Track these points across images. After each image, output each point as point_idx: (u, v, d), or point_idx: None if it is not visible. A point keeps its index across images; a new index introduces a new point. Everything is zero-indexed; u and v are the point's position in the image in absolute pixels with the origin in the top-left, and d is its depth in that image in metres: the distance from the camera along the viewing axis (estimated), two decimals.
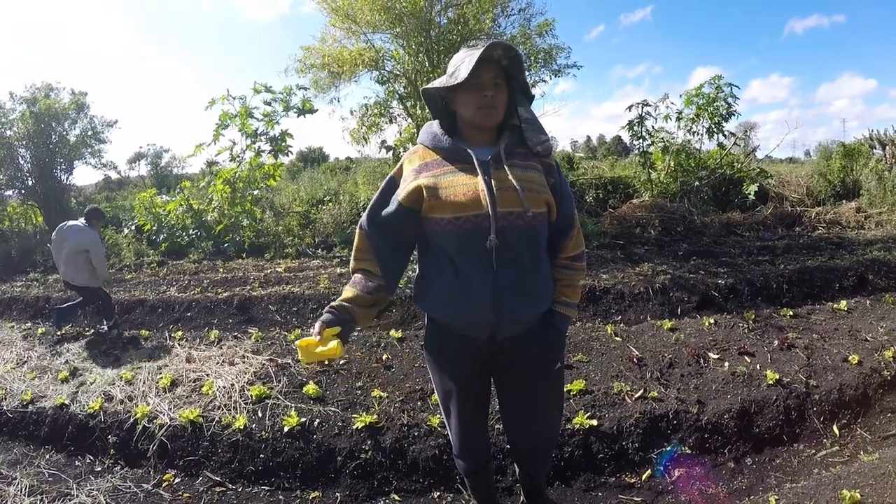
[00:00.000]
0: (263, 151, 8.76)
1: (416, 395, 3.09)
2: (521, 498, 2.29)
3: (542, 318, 1.71)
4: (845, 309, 4.31)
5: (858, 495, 1.96)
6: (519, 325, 1.65)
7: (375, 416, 2.79)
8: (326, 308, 1.68)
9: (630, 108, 9.32)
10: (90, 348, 4.26)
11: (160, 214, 8.65)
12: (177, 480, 2.68)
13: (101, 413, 3.04)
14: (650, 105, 9.25)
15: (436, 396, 2.93)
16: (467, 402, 1.82)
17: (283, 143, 8.69)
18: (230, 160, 8.76)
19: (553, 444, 2.13)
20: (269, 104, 8.64)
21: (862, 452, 2.53)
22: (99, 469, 2.82)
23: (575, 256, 1.75)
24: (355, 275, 1.72)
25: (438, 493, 2.47)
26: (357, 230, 1.73)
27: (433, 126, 1.68)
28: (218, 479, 2.65)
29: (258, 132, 8.66)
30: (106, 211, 7.52)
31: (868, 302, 4.52)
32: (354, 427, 2.74)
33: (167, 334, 4.44)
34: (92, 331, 4.79)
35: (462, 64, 1.55)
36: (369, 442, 2.67)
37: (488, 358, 1.74)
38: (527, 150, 1.64)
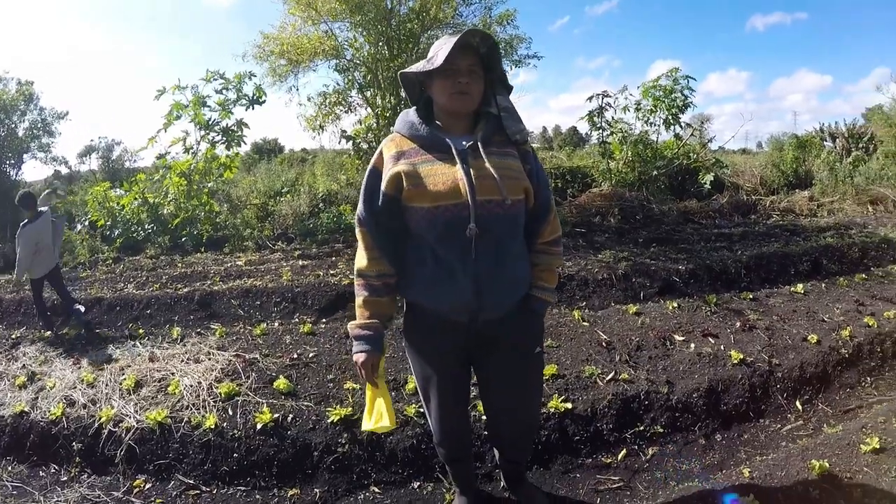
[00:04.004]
0: (218, 142, 8.46)
1: (390, 385, 3.06)
2: (502, 483, 2.31)
3: (521, 302, 1.72)
4: (802, 292, 4.51)
5: (827, 464, 2.07)
6: (499, 310, 1.66)
7: (350, 409, 2.75)
8: (357, 335, 1.69)
9: (591, 98, 9.47)
10: (47, 351, 4.03)
11: (114, 209, 8.27)
12: (148, 486, 2.57)
13: (64, 419, 2.87)
14: (610, 96, 9.42)
15: (410, 385, 2.94)
16: (448, 388, 1.83)
17: (238, 134, 8.42)
18: (184, 152, 8.45)
19: (535, 427, 2.16)
20: (221, 92, 8.34)
21: (825, 426, 2.67)
22: (65, 479, 2.67)
23: (552, 241, 1.78)
24: (365, 281, 1.69)
25: (418, 483, 2.46)
26: (357, 228, 1.71)
27: (409, 114, 1.68)
28: (191, 481, 2.56)
29: (211, 122, 8.35)
30: (57, 207, 7.12)
31: (823, 285, 4.75)
32: (329, 421, 2.70)
33: (127, 333, 4.26)
34: (55, 325, 4.56)
35: (440, 50, 1.55)
36: (345, 435, 2.63)
37: (469, 343, 1.75)
38: (503, 138, 1.66)
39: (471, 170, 1.55)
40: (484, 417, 2.54)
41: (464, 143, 1.60)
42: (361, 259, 1.69)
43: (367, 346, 1.68)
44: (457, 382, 1.86)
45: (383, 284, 1.69)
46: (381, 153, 1.66)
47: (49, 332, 4.48)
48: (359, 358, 1.68)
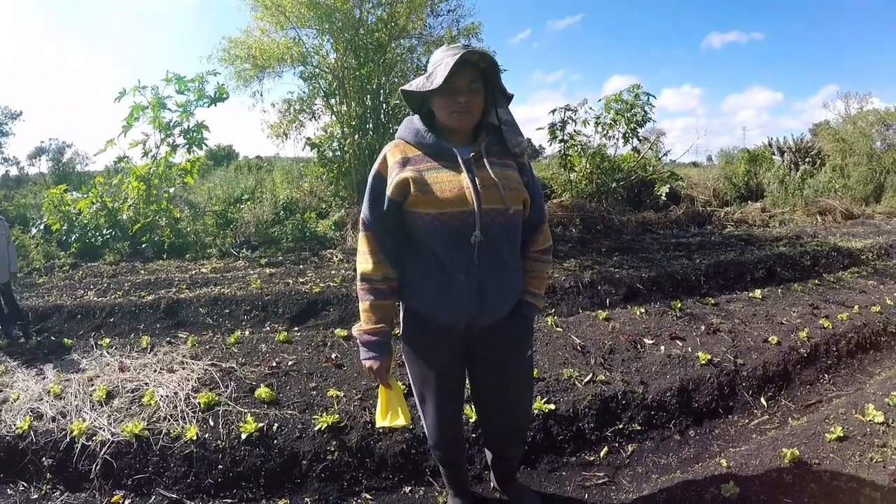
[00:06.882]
0: (178, 146, 8.24)
1: (375, 392, 3.06)
2: (492, 484, 2.36)
3: (514, 307, 1.79)
4: (760, 297, 4.80)
5: (797, 452, 2.25)
6: (497, 316, 1.73)
7: (337, 416, 2.74)
8: (366, 342, 1.71)
9: (554, 111, 9.69)
10: (7, 361, 3.80)
11: (71, 213, 7.88)
12: (127, 502, 2.45)
13: (32, 433, 2.70)
14: (573, 110, 9.69)
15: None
16: (446, 392, 1.87)
17: (198, 136, 8.22)
18: (143, 155, 8.19)
19: (528, 426, 2.22)
20: (183, 93, 8.15)
21: (790, 419, 2.87)
22: (35, 496, 2.52)
23: (544, 250, 1.86)
24: (370, 285, 1.71)
25: (410, 488, 2.47)
26: (361, 232, 1.73)
27: (415, 122, 1.71)
28: (174, 496, 2.46)
29: (171, 124, 8.13)
30: (9, 210, 6.71)
31: (779, 291, 5.07)
32: (316, 428, 2.67)
33: (92, 342, 4.06)
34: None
35: (439, 67, 1.58)
36: (334, 443, 2.62)
37: (465, 347, 1.81)
38: (503, 150, 1.72)
39: (475, 178, 1.60)
40: (472, 421, 2.60)
41: (466, 152, 1.65)
42: (366, 263, 1.70)
43: (377, 351, 1.71)
44: (455, 385, 1.90)
45: (388, 288, 1.71)
46: (384, 158, 1.68)
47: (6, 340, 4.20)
48: (372, 365, 1.71)
